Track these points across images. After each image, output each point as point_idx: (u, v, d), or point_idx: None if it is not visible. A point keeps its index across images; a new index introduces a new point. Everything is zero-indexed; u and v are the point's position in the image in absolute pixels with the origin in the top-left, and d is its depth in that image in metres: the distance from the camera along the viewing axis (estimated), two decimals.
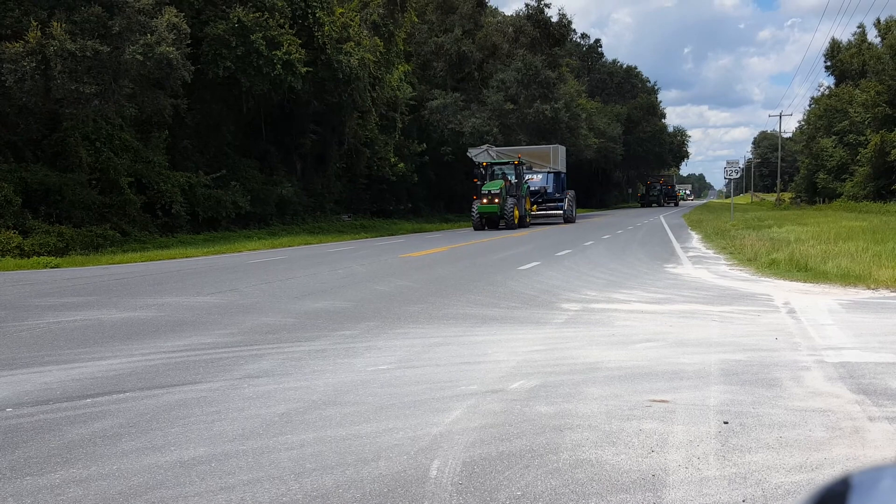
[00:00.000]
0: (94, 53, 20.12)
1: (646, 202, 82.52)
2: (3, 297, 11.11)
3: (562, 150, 40.14)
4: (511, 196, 32.13)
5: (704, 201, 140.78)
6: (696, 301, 9.28)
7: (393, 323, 7.87)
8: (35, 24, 20.14)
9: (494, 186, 31.41)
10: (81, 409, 4.73)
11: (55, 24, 20.26)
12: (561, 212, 37.49)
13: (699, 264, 14.50)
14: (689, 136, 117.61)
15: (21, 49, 19.82)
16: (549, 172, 38.18)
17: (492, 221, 31.52)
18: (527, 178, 35.49)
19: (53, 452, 3.94)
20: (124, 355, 6.37)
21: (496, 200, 31.00)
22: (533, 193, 36.13)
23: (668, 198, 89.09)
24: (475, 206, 31.31)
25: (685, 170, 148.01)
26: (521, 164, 33.71)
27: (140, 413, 4.63)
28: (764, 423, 4.19)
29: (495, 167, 33.66)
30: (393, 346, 6.65)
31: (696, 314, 8.21)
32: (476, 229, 31.00)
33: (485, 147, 36.74)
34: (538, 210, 37.31)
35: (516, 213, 31.77)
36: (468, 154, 36.61)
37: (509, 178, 32.99)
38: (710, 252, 17.53)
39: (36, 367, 5.94)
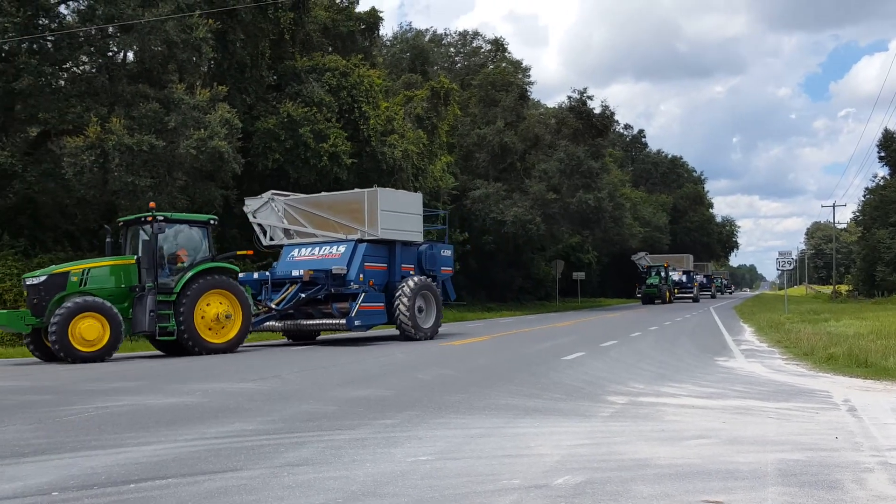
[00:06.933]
0: (150, 147, 21.00)
1: (645, 299, 57.46)
2: (54, 381, 11.29)
3: (396, 196, 21.25)
4: (97, 295, 14.76)
5: (757, 293, 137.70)
6: (751, 396, 8.97)
7: (434, 412, 7.75)
8: (95, 119, 21.16)
9: (35, 276, 14.99)
10: (125, 495, 4.70)
11: (114, 119, 21.25)
12: (342, 320, 17.98)
13: (752, 358, 14.10)
14: (739, 227, 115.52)
15: (81, 143, 20.79)
16: (357, 241, 19.09)
17: (40, 344, 14.85)
18: (308, 252, 19.58)
19: None
20: (169, 441, 6.36)
21: (35, 301, 14.59)
22: (308, 284, 18.11)
23: (681, 289, 63.74)
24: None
25: (735, 260, 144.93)
26: (158, 220, 15.57)
27: (182, 500, 4.58)
28: None
29: (129, 229, 16.37)
30: (433, 436, 6.53)
31: (750, 410, 7.93)
32: (46, 359, 14.83)
33: (267, 196, 20.99)
34: (310, 320, 18.70)
35: (80, 332, 14.12)
36: (245, 210, 21.47)
37: (172, 248, 16.06)
38: (764, 345, 17.07)
39: (83, 452, 5.95)
